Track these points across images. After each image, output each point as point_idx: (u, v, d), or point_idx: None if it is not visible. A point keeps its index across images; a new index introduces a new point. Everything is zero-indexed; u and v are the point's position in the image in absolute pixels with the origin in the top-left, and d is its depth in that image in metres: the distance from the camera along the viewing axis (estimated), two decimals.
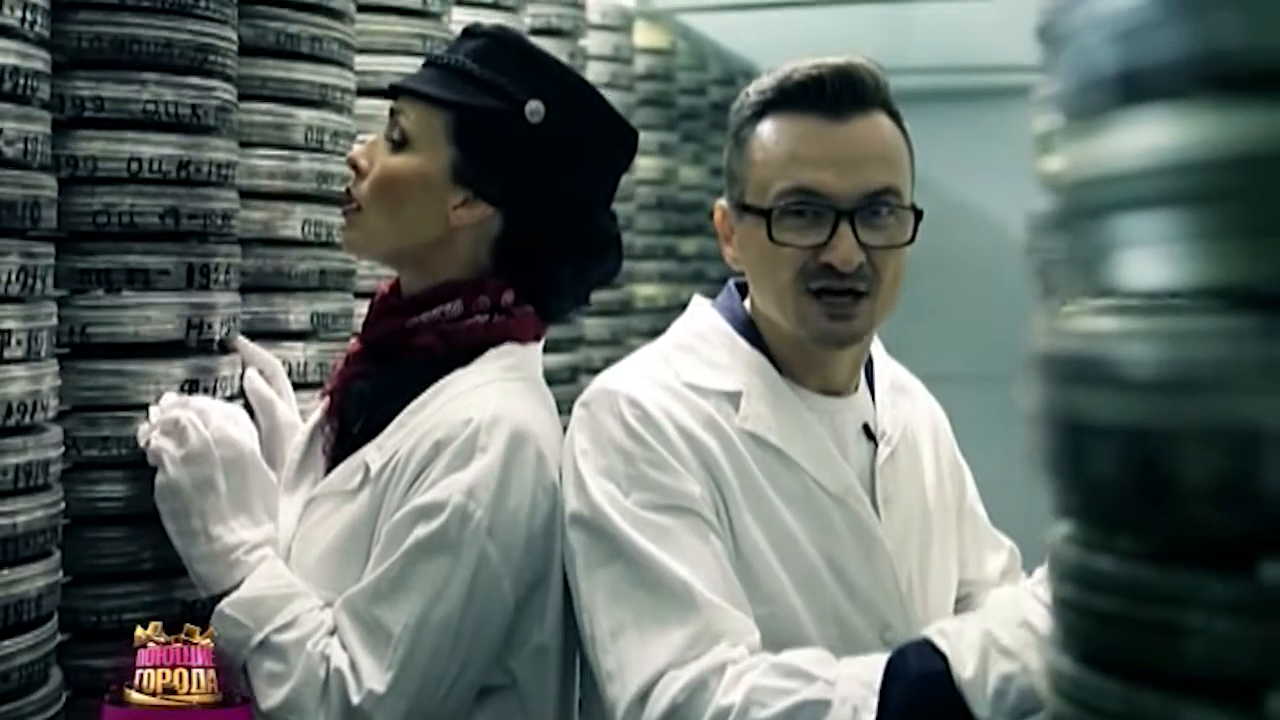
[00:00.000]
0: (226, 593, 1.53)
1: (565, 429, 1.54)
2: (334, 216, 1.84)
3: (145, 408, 1.61)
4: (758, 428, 1.46)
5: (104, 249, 1.61)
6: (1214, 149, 0.46)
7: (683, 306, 1.63)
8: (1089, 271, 0.49)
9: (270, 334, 1.85)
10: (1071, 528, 0.64)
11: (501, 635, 1.48)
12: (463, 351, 1.57)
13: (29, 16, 1.40)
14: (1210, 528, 0.49)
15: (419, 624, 1.43)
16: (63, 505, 1.49)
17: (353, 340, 1.70)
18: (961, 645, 1.28)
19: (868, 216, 1.43)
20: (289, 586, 1.53)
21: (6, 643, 1.38)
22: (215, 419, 1.60)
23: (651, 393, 1.46)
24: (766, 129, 1.47)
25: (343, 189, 1.66)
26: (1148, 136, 0.47)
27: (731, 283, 1.57)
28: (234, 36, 1.74)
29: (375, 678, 1.42)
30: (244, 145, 1.82)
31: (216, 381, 1.68)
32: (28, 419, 1.40)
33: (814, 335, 1.45)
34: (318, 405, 1.67)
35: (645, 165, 3.77)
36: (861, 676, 1.29)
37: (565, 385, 2.87)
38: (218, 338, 1.69)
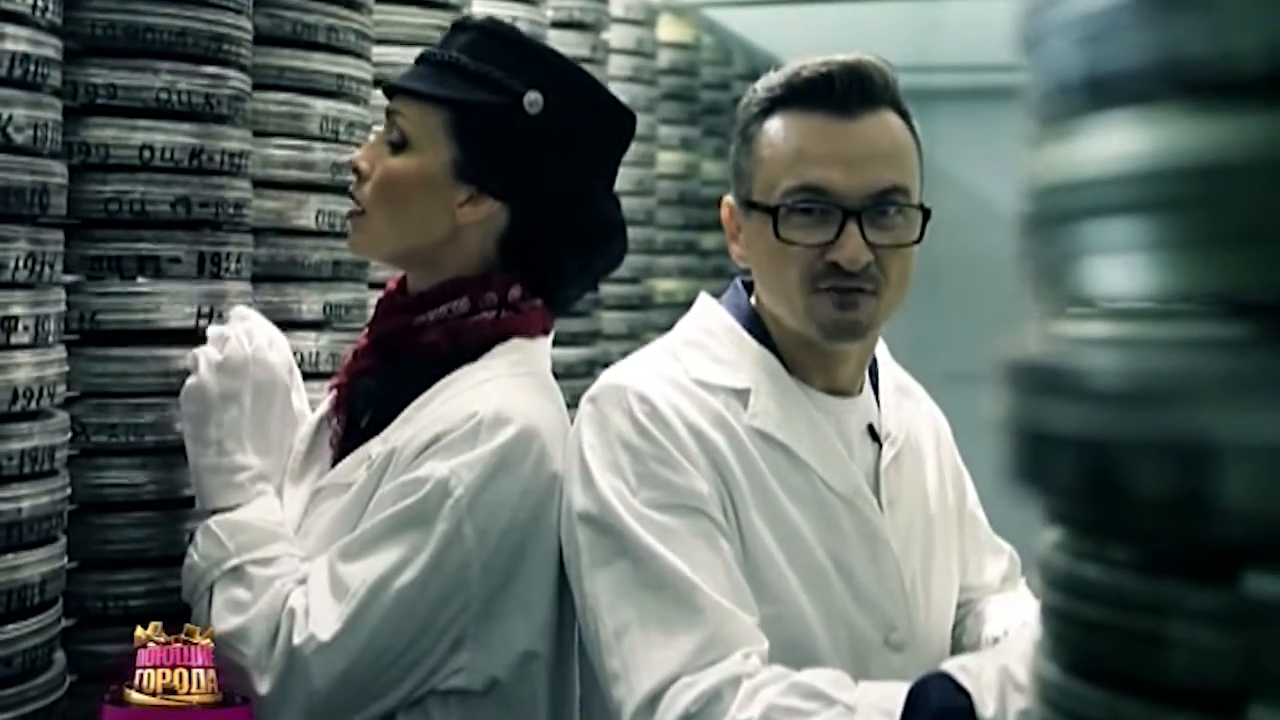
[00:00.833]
0: (218, 511, 1.55)
1: None
2: (348, 207, 1.84)
3: (154, 395, 1.62)
4: (766, 425, 1.45)
5: (116, 236, 1.62)
6: (1180, 156, 0.45)
7: None
8: (1056, 278, 0.48)
9: (283, 324, 1.85)
10: (1060, 535, 0.63)
11: (459, 624, 1.46)
12: (470, 348, 1.57)
13: (40, 3, 1.41)
14: (1166, 541, 0.48)
15: (378, 586, 1.44)
16: (69, 491, 1.49)
17: (362, 334, 1.70)
18: (982, 684, 1.28)
19: (875, 216, 1.42)
20: (279, 526, 1.55)
21: (9, 627, 1.38)
22: (259, 341, 1.62)
23: (660, 389, 1.45)
24: (774, 126, 1.46)
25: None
26: (1113, 142, 0.46)
27: (738, 279, 1.57)
28: (249, 25, 1.74)
29: (323, 626, 1.44)
30: (259, 135, 1.82)
31: None
32: (34, 404, 1.41)
33: (822, 326, 1.44)
34: (326, 397, 1.67)
35: (667, 160, 3.76)
36: (881, 705, 1.28)
37: (582, 379, 2.87)
38: None
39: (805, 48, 1.50)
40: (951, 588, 1.59)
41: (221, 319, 1.66)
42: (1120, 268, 0.46)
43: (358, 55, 1.97)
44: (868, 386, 1.55)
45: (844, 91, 1.43)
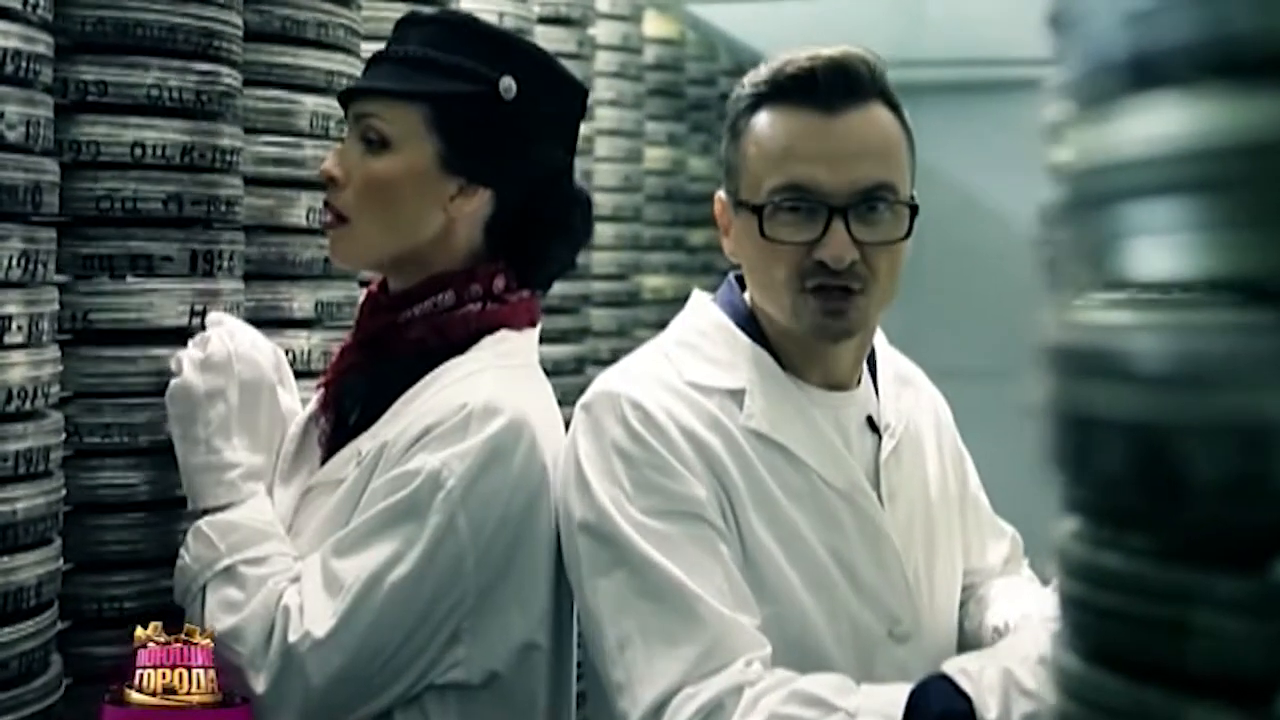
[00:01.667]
0: (209, 511, 1.54)
1: (569, 420, 1.53)
2: None
3: (148, 394, 1.61)
4: (762, 426, 1.45)
5: (107, 235, 1.60)
6: (1227, 136, 0.45)
7: (689, 298, 1.62)
8: (1098, 262, 0.48)
9: (274, 322, 1.85)
10: (1079, 524, 0.63)
11: (455, 617, 1.46)
12: (457, 341, 1.56)
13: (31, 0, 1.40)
14: (1219, 525, 0.48)
15: (372, 580, 1.43)
16: (63, 492, 1.48)
17: (348, 335, 1.69)
18: (983, 686, 1.28)
19: (862, 212, 1.41)
20: (270, 525, 1.54)
21: (6, 630, 1.37)
22: (242, 339, 1.61)
23: (654, 393, 1.44)
24: (760, 123, 1.45)
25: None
26: (1159, 122, 0.46)
27: (731, 275, 1.56)
28: (239, 21, 1.73)
29: (317, 622, 1.43)
30: (249, 131, 1.81)
31: None
32: (28, 405, 1.39)
33: (809, 330, 1.44)
34: (313, 397, 1.66)
35: (654, 156, 3.76)
36: (881, 711, 1.28)
37: (571, 376, 2.86)
38: None
39: (789, 43, 1.49)
40: (955, 576, 1.59)
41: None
42: (1166, 249, 0.46)
43: (347, 51, 1.96)
44: (866, 378, 1.55)
45: (828, 87, 1.42)
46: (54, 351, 1.46)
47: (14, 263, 1.37)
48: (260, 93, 1.85)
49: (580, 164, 3.09)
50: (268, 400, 1.61)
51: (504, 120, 1.56)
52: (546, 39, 2.90)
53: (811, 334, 1.44)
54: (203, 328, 1.62)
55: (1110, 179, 0.48)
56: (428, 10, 1.66)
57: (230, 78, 1.70)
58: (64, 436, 1.49)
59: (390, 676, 1.45)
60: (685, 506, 1.40)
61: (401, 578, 1.43)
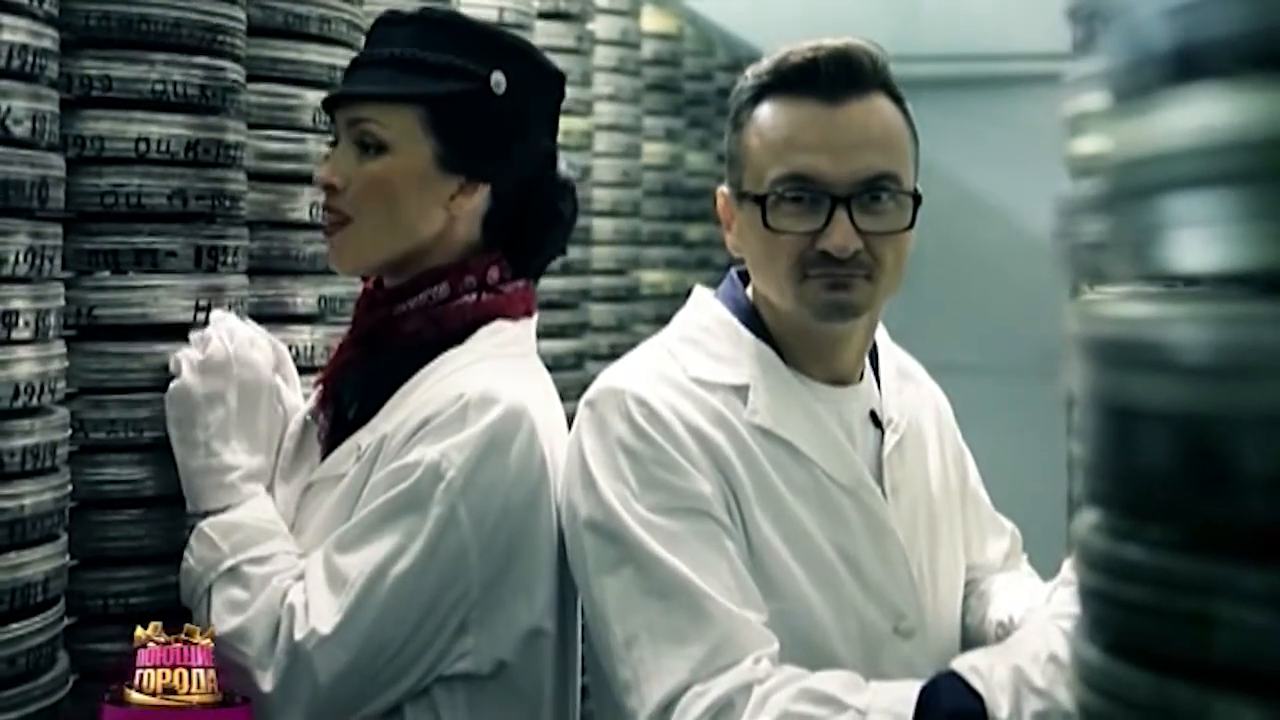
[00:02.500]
0: (211, 513, 1.54)
1: (569, 415, 1.53)
2: None
3: (152, 390, 1.61)
4: (766, 421, 1.45)
5: (111, 230, 1.60)
6: (1271, 127, 0.45)
7: (688, 293, 1.62)
8: (1138, 254, 0.48)
9: (277, 317, 1.84)
10: (1100, 516, 0.63)
11: (461, 608, 1.46)
12: (453, 333, 1.57)
13: None
14: (1266, 516, 0.48)
15: (376, 575, 1.43)
16: (70, 488, 1.48)
17: (346, 332, 1.69)
18: (994, 684, 1.28)
19: (866, 202, 1.42)
20: (272, 524, 1.54)
21: (13, 626, 1.37)
22: (242, 339, 1.61)
23: (658, 390, 1.44)
24: (763, 114, 1.46)
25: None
26: (1202, 114, 0.46)
27: (733, 270, 1.56)
28: (243, 16, 1.72)
29: (323, 619, 1.43)
30: (251, 127, 1.81)
31: None
32: (35, 400, 1.39)
33: (814, 310, 1.43)
34: (312, 394, 1.66)
35: (651, 151, 3.76)
36: (892, 709, 1.28)
37: (571, 371, 2.86)
38: None
39: (787, 38, 1.50)
40: (958, 571, 1.60)
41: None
42: (1209, 241, 0.46)
43: (350, 46, 1.96)
44: (869, 373, 1.55)
45: (831, 77, 1.43)
46: (60, 347, 1.45)
47: (21, 258, 1.36)
48: (263, 88, 1.85)
49: (579, 159, 3.11)
50: (266, 402, 1.61)
51: (498, 115, 1.57)
52: (545, 34, 2.90)
53: (816, 316, 1.44)
54: (207, 323, 1.62)
55: (1152, 171, 0.49)
56: (406, 9, 1.66)
57: (234, 73, 1.70)
58: (70, 432, 1.49)
59: (397, 670, 1.45)
60: (691, 503, 1.40)
61: (405, 571, 1.43)
